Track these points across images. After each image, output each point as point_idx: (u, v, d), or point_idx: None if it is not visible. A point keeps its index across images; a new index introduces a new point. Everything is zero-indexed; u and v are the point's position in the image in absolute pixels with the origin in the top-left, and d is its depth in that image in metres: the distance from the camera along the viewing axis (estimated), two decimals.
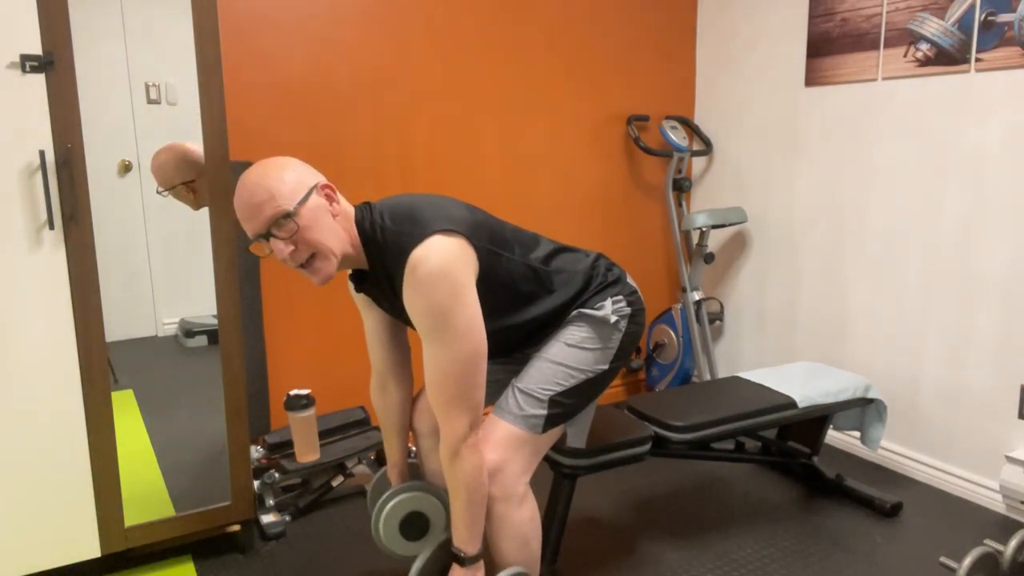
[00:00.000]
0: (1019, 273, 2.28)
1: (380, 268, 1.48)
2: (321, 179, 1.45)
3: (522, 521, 1.54)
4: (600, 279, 1.65)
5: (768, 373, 2.43)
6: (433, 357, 1.40)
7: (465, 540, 1.49)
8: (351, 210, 1.49)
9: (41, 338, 1.76)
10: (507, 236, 1.55)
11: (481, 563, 1.52)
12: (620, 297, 1.65)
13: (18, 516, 1.80)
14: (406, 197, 1.52)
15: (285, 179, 1.38)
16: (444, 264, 1.36)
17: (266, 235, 1.39)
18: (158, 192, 1.91)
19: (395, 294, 1.49)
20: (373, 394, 1.77)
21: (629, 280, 1.71)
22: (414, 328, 1.54)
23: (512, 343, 1.63)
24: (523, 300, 1.56)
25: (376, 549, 2.18)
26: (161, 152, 1.91)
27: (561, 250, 1.65)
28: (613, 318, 1.61)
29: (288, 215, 1.37)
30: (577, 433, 1.74)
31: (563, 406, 1.58)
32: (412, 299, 1.39)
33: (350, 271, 1.59)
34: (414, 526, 1.73)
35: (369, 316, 1.69)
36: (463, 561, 1.50)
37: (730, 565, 2.08)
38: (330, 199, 1.44)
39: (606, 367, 1.63)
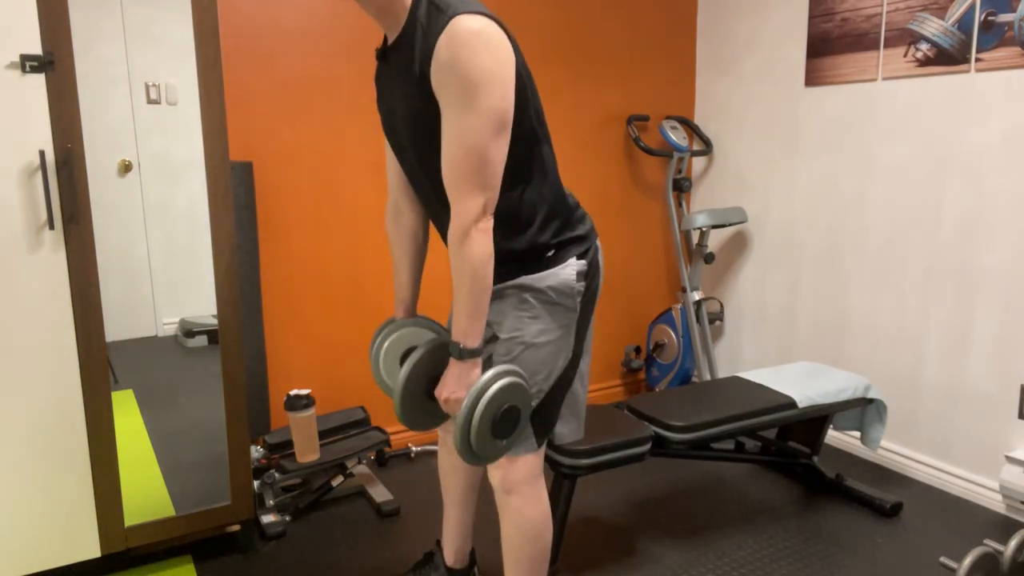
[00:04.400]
0: (1019, 273, 2.28)
1: (414, 30, 1.34)
2: None
3: (536, 516, 1.55)
4: (573, 222, 1.51)
5: (768, 373, 2.43)
6: (457, 128, 1.30)
7: (465, 332, 1.38)
8: None
9: (41, 338, 1.76)
10: (538, 107, 1.45)
11: (479, 360, 1.41)
12: (584, 263, 1.50)
13: (18, 516, 1.80)
14: None
15: None
16: (492, 33, 1.28)
17: None
18: None
19: (421, 62, 1.33)
20: (387, 222, 1.67)
21: (597, 242, 1.57)
22: (413, 133, 1.43)
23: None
24: (513, 174, 1.41)
25: (375, 549, 2.18)
26: None
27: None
28: (571, 301, 1.49)
29: None
30: (572, 431, 1.67)
31: (546, 412, 1.53)
32: (446, 58, 1.27)
33: (377, 61, 1.48)
34: None
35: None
36: (462, 354, 1.39)
37: (730, 565, 2.08)
38: None
39: (570, 355, 1.53)
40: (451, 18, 1.27)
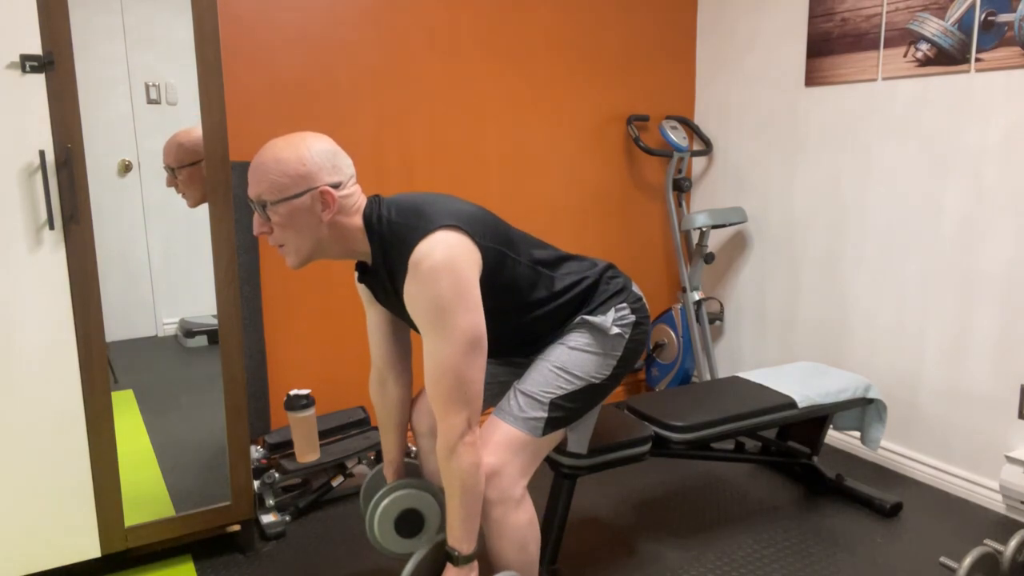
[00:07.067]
0: (1019, 273, 2.28)
1: (382, 262, 1.49)
2: (334, 179, 1.43)
3: (520, 524, 1.54)
4: (603, 288, 1.65)
5: (768, 373, 2.43)
6: (433, 352, 1.40)
7: (459, 539, 1.47)
8: (362, 203, 1.49)
9: (41, 338, 1.76)
10: (514, 238, 1.55)
11: (475, 563, 1.51)
12: (624, 306, 1.65)
13: (18, 516, 1.80)
14: (415, 194, 1.53)
15: (289, 170, 1.39)
16: (447, 258, 1.37)
17: (253, 204, 1.44)
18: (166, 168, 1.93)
19: (394, 290, 1.50)
20: (372, 390, 1.77)
21: (634, 289, 1.71)
22: (412, 326, 1.54)
23: (513, 346, 1.64)
24: (527, 304, 1.56)
25: (375, 549, 2.17)
26: (176, 134, 1.93)
27: (568, 258, 1.66)
28: (614, 330, 1.61)
29: (265, 205, 1.41)
30: (579, 439, 1.74)
31: (564, 410, 1.58)
32: (414, 293, 1.39)
33: (356, 261, 1.60)
34: (409, 523, 1.72)
35: (372, 309, 1.69)
36: (456, 560, 1.48)
37: (730, 565, 2.08)
38: (327, 204, 1.43)
39: (608, 373, 1.63)
40: (409, 257, 1.39)
